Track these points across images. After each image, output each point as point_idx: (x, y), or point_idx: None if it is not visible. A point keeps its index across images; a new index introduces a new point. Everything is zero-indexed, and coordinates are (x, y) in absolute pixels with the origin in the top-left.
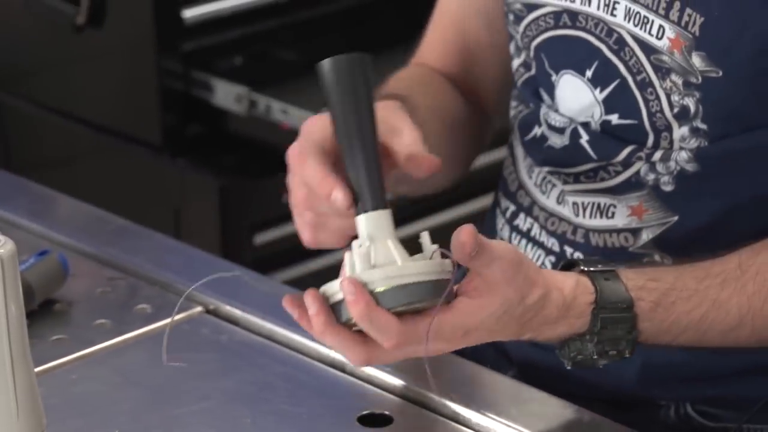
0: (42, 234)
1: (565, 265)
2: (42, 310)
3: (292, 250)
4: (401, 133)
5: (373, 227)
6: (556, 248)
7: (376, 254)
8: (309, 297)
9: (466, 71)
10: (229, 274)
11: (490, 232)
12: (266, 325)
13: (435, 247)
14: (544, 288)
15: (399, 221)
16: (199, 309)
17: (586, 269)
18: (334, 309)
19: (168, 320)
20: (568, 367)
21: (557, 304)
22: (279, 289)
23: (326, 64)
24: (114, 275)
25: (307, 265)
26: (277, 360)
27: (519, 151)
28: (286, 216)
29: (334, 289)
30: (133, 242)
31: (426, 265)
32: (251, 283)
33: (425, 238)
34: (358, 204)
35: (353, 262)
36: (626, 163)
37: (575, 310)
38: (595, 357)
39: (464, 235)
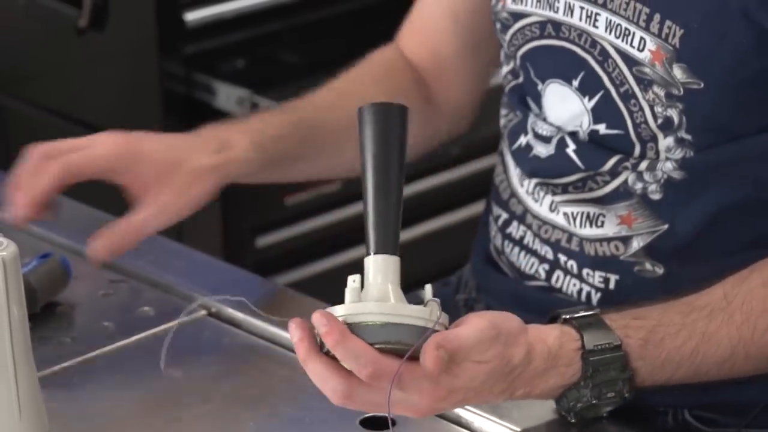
0: (44, 237)
1: (550, 318)
2: (44, 312)
3: (294, 253)
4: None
5: (377, 269)
6: (550, 256)
7: (370, 292)
8: (293, 324)
9: (434, 68)
10: (235, 299)
11: (483, 240)
12: (268, 328)
13: (433, 299)
14: (527, 345)
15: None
16: (201, 312)
17: (568, 317)
18: (319, 342)
19: (171, 324)
20: (572, 421)
21: (543, 356)
22: (281, 292)
23: (367, 110)
24: (116, 278)
25: (308, 268)
26: (280, 363)
27: (509, 159)
28: (288, 219)
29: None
30: (136, 245)
31: (416, 310)
32: (253, 286)
33: (427, 290)
34: (369, 245)
35: (346, 296)
36: (613, 173)
37: (563, 359)
38: (594, 402)
39: (429, 354)
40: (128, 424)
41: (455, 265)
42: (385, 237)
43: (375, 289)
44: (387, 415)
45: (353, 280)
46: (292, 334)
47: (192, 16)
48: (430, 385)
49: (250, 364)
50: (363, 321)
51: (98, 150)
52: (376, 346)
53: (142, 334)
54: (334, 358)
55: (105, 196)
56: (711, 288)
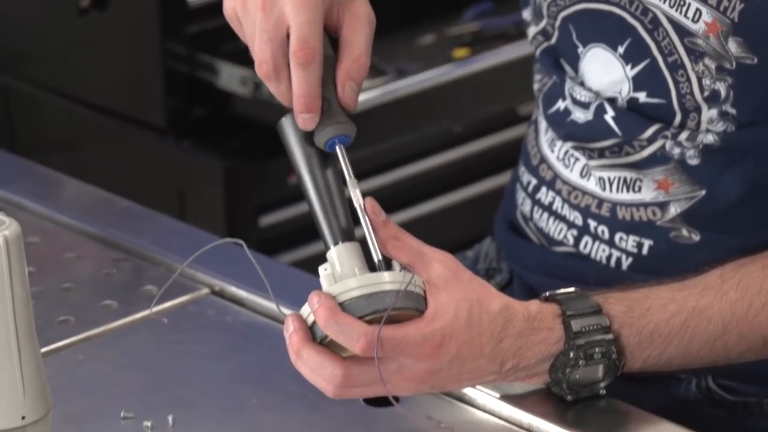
0: (47, 216)
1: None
2: (48, 290)
3: (298, 232)
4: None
5: (341, 258)
6: (579, 222)
7: (343, 277)
8: (289, 318)
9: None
10: (231, 241)
11: (511, 206)
12: (272, 306)
13: (400, 268)
14: (502, 299)
15: (418, 198)
16: (204, 290)
17: (547, 294)
18: (312, 332)
19: (174, 301)
20: (569, 399)
21: (523, 315)
22: (284, 271)
23: (285, 122)
24: (119, 256)
25: (312, 247)
26: (283, 340)
27: (542, 124)
28: (292, 198)
29: (307, 309)
30: (138, 224)
31: (393, 275)
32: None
33: (394, 263)
34: (326, 240)
35: (322, 282)
36: (651, 140)
37: (545, 322)
38: (583, 363)
39: (369, 203)
40: (131, 401)
41: (470, 241)
42: (338, 227)
43: (345, 273)
44: (383, 384)
45: (324, 269)
46: (287, 326)
47: None
48: (420, 341)
49: (253, 343)
50: (346, 299)
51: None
52: (366, 318)
53: (145, 312)
54: (326, 347)
55: (108, 177)
56: (708, 271)
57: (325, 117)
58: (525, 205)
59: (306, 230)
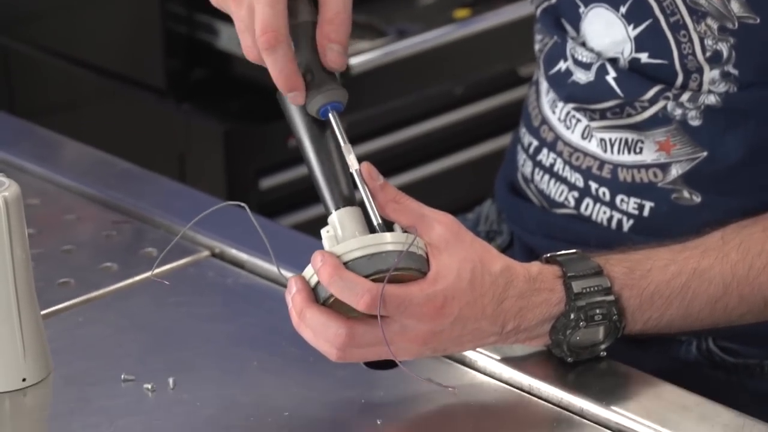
0: (46, 177)
1: None
2: (48, 252)
3: (298, 195)
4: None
5: (342, 222)
6: (580, 183)
7: (343, 237)
8: (292, 279)
9: None
10: (233, 204)
11: (512, 168)
12: (272, 268)
13: (402, 231)
14: (504, 260)
15: (418, 160)
16: (205, 253)
17: (548, 255)
18: (315, 293)
19: (175, 264)
20: (570, 360)
21: (524, 276)
22: (285, 233)
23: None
24: (119, 219)
25: (313, 210)
26: (283, 303)
27: (543, 85)
28: (292, 160)
29: (310, 271)
30: (139, 186)
31: (395, 236)
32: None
33: (396, 227)
34: (328, 205)
35: (324, 244)
36: (653, 101)
37: (546, 283)
38: (584, 325)
39: (365, 167)
40: (131, 364)
41: (471, 203)
42: (339, 193)
43: (347, 236)
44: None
45: (327, 231)
46: (290, 288)
47: None
48: (423, 301)
49: (254, 305)
50: (349, 258)
51: None
52: (368, 279)
53: (146, 274)
54: (330, 308)
55: (108, 139)
56: (709, 233)
57: (312, 87)
58: (526, 166)
59: (307, 192)
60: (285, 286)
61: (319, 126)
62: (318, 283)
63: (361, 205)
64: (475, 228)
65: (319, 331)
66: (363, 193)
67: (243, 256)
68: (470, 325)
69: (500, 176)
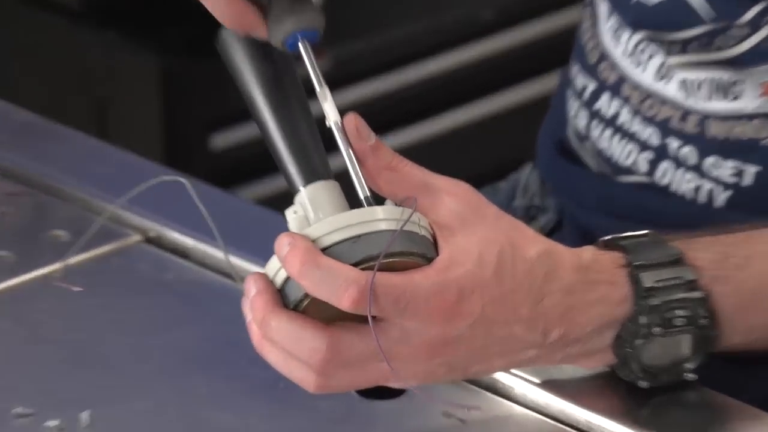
0: None
1: None
2: None
3: (262, 158)
4: None
5: (316, 201)
6: (655, 141)
7: (316, 217)
8: (250, 278)
9: None
10: (170, 179)
11: (560, 121)
12: (228, 259)
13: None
14: (543, 242)
15: (430, 110)
16: (135, 237)
17: (608, 238)
18: (282, 296)
19: (93, 252)
20: (644, 386)
21: (572, 264)
22: (244, 209)
23: (224, 35)
24: (15, 190)
25: (280, 178)
26: (231, 300)
27: (601, 7)
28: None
29: (275, 264)
30: (44, 144)
31: (388, 211)
32: (206, 200)
33: (389, 202)
34: (294, 182)
35: (291, 229)
36: (755, 25)
37: (603, 274)
38: (659, 331)
39: (350, 121)
40: (29, 393)
41: (504, 170)
42: (308, 164)
43: (323, 216)
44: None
45: (294, 212)
46: (248, 289)
47: None
48: (430, 293)
49: (202, 310)
50: (327, 243)
51: None
52: (357, 267)
53: (53, 267)
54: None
55: (5, 79)
56: None
57: (275, 9)
58: (579, 118)
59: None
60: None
61: (274, 72)
62: (287, 280)
63: (343, 176)
64: (509, 203)
65: (289, 347)
66: (346, 157)
67: (187, 242)
68: (498, 331)
69: (544, 132)
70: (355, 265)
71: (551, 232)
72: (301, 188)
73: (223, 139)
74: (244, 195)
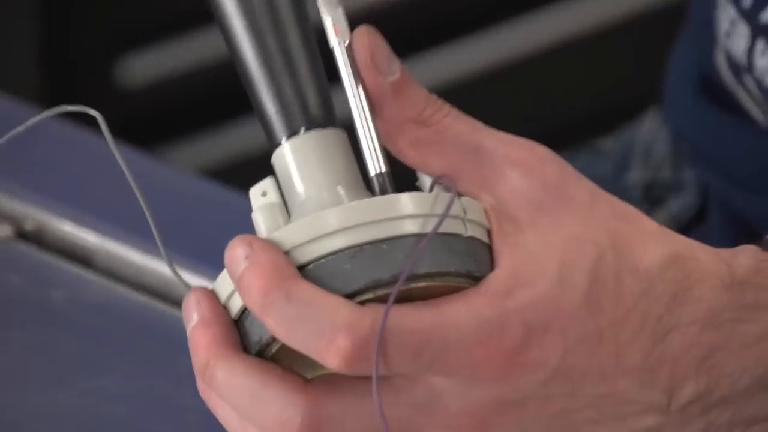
0: None
1: None
2: None
3: (202, 95)
4: None
5: (303, 164)
6: None
7: (307, 205)
8: (190, 299)
9: None
10: (74, 109)
11: (701, 46)
12: (148, 264)
13: (439, 185)
14: (670, 243)
15: (482, 20)
16: (4, 231)
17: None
18: (239, 329)
19: None
20: None
21: (718, 276)
22: (171, 179)
23: None
24: None
25: (228, 129)
26: (166, 337)
27: None
28: (179, 25)
29: (227, 285)
30: None
31: (408, 200)
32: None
33: (422, 177)
34: (275, 131)
35: (257, 225)
36: None
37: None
38: None
39: (361, 38)
40: None
41: (606, 120)
42: (304, 99)
43: (314, 197)
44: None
45: (263, 192)
46: (187, 311)
47: None
48: (476, 334)
49: (116, 346)
50: (316, 256)
51: None
52: (358, 298)
53: None
54: (272, 361)
55: None
56: None
57: None
58: (736, 38)
59: (227, 91)
60: (171, 301)
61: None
62: (245, 310)
63: (350, 129)
64: (617, 177)
65: (247, 413)
66: (352, 102)
67: (88, 239)
68: (591, 390)
69: (677, 62)
70: (354, 295)
71: (689, 225)
72: (283, 141)
73: (140, 69)
74: (176, 160)
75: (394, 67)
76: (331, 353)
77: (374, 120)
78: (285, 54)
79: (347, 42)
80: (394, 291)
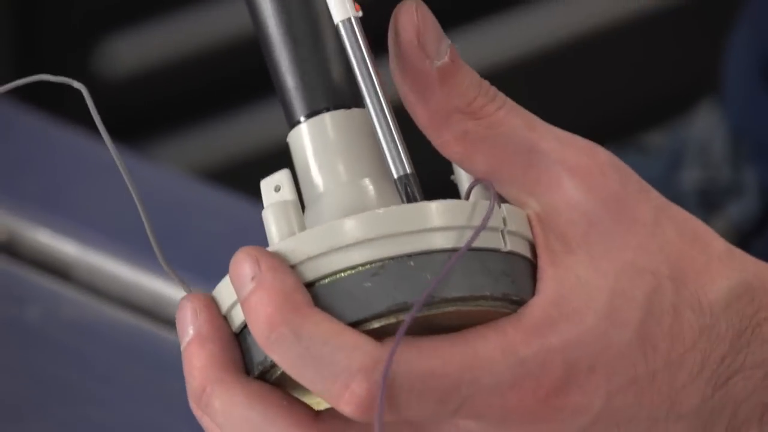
0: None
1: None
2: None
3: (190, 85)
4: None
5: (322, 154)
6: None
7: (326, 207)
8: (186, 308)
9: None
10: (54, 78)
11: (765, 27)
12: (134, 278)
13: (467, 190)
14: (737, 269)
15: None
16: None
17: None
18: (241, 344)
19: None
20: None
21: None
22: (160, 179)
23: None
24: None
25: (221, 124)
26: (155, 361)
27: None
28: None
29: (229, 295)
30: None
31: (437, 210)
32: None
33: (462, 175)
34: (294, 109)
35: (268, 227)
36: None
37: None
38: None
39: (407, 12)
40: None
41: (658, 111)
42: (329, 76)
43: (333, 191)
44: None
45: (276, 187)
46: (182, 328)
47: None
48: (510, 376)
49: (104, 373)
50: (330, 271)
51: None
52: (375, 324)
53: None
54: (277, 384)
55: None
56: None
57: None
58: None
59: (219, 81)
60: (160, 319)
61: None
62: (245, 328)
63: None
64: (670, 176)
65: None
66: (363, 86)
67: (67, 250)
68: (631, 403)
69: (737, 46)
70: (374, 318)
71: (751, 233)
72: (302, 118)
73: (121, 55)
74: (160, 157)
75: (443, 50)
76: (344, 401)
77: (414, 107)
78: (311, 23)
79: (360, 14)
80: (406, 320)
